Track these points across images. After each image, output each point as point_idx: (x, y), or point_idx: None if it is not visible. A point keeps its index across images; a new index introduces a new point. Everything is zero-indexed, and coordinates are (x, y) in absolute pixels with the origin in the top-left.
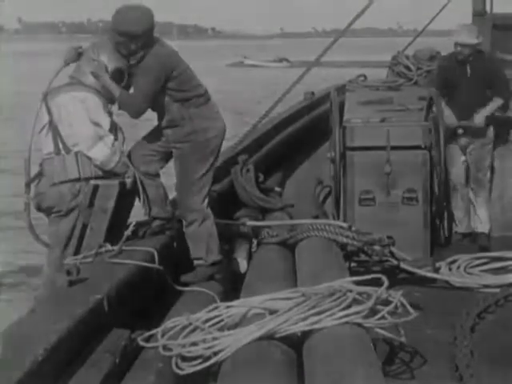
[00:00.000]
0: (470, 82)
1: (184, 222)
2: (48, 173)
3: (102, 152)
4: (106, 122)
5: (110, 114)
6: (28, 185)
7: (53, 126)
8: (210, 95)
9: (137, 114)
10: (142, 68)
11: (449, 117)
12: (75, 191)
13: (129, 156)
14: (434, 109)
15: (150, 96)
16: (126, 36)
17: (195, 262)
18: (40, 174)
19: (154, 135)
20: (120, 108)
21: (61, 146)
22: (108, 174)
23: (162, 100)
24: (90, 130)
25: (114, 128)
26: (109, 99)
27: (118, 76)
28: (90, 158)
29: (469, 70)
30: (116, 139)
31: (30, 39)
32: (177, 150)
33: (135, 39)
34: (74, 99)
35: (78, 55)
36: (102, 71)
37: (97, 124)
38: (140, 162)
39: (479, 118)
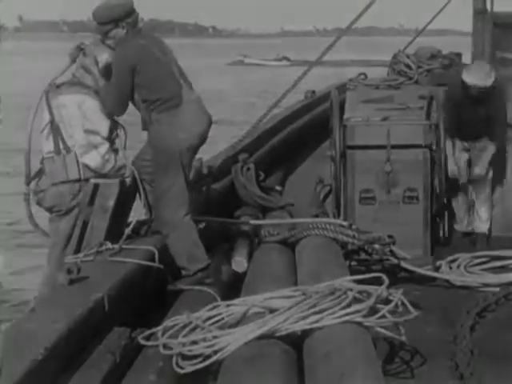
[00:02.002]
0: (476, 119)
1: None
2: (48, 172)
3: (94, 160)
4: (103, 127)
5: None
6: (28, 177)
7: (54, 126)
8: (180, 101)
9: (112, 110)
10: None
11: (453, 170)
12: (75, 191)
13: (133, 163)
14: (435, 107)
15: (118, 90)
16: (109, 22)
17: (182, 272)
18: (40, 172)
19: None
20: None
21: (61, 145)
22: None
23: (135, 98)
24: (84, 139)
25: (115, 127)
26: None
27: (110, 71)
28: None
29: (478, 108)
30: (116, 137)
31: (30, 38)
32: None
33: (118, 23)
34: (71, 101)
35: (79, 51)
36: (92, 65)
37: (92, 132)
38: (141, 168)
39: (480, 170)
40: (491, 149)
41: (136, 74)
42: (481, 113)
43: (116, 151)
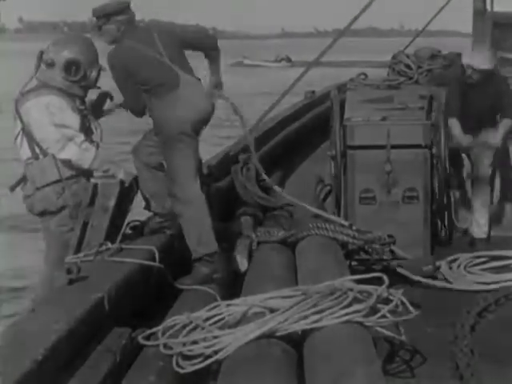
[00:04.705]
0: (480, 105)
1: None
2: (30, 178)
3: (72, 152)
4: (73, 122)
5: (80, 110)
6: (12, 189)
7: (26, 132)
8: (176, 85)
9: (132, 111)
10: None
11: (461, 136)
12: (59, 190)
13: (135, 147)
14: (435, 107)
15: (123, 92)
16: (102, 17)
17: (193, 255)
18: (24, 178)
19: None
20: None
21: (37, 150)
22: (89, 173)
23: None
24: (56, 134)
25: (88, 123)
26: (76, 95)
27: (71, 68)
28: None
29: (480, 94)
30: (90, 134)
31: (31, 38)
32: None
33: (109, 19)
34: (38, 104)
35: (41, 56)
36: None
37: (63, 126)
38: (142, 152)
39: (496, 139)
40: (497, 137)
41: (130, 73)
42: (485, 100)
43: (94, 144)
